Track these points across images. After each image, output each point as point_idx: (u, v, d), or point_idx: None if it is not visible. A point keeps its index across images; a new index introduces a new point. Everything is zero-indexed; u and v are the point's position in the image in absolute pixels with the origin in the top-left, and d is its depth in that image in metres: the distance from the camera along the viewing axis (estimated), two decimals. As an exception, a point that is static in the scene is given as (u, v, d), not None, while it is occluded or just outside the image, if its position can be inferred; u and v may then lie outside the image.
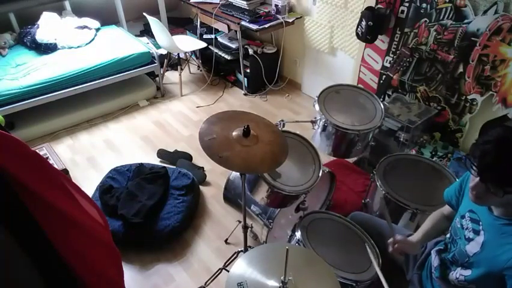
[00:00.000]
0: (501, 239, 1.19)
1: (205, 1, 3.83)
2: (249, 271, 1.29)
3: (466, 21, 2.35)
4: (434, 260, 1.47)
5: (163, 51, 3.98)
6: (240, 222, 2.25)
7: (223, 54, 3.91)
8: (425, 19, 2.54)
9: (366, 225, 1.80)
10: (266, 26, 3.39)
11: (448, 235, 1.46)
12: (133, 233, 2.31)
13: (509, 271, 1.15)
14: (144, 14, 3.59)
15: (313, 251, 1.61)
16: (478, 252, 1.25)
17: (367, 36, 2.75)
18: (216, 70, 4.10)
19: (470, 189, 1.19)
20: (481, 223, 1.26)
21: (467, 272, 1.29)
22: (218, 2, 3.77)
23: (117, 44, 3.64)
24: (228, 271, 1.82)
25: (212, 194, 2.76)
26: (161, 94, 3.92)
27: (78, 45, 3.58)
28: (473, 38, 2.35)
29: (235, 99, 3.87)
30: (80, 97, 3.41)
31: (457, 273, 1.33)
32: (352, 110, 2.16)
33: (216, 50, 3.96)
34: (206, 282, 2.09)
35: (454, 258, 1.37)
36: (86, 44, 3.63)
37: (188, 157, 3.05)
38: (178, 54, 3.91)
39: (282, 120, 2.10)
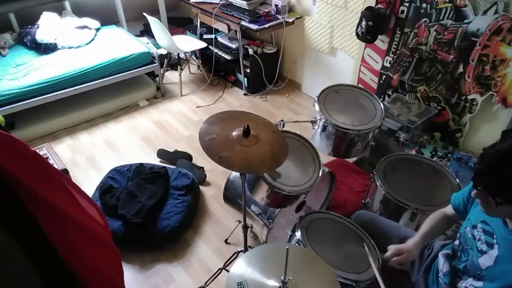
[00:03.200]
0: None
1: (205, 1, 3.83)
2: (249, 271, 1.29)
3: (466, 21, 2.35)
4: (443, 266, 1.44)
5: (163, 51, 3.98)
6: (240, 222, 2.25)
7: (223, 54, 3.91)
8: (425, 19, 2.54)
9: (370, 225, 1.79)
10: (266, 26, 3.39)
11: (457, 242, 1.43)
12: (133, 233, 2.31)
13: None
14: (144, 14, 3.59)
15: (313, 251, 1.61)
16: (491, 266, 1.22)
17: (367, 36, 2.75)
18: (216, 70, 4.10)
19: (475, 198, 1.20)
20: (495, 236, 1.23)
21: (479, 284, 1.26)
22: (218, 2, 3.77)
23: (117, 44, 3.64)
24: (228, 271, 1.82)
25: (212, 194, 2.76)
26: (161, 94, 3.92)
27: (78, 45, 3.58)
28: (473, 38, 2.35)
29: (235, 99, 3.87)
30: (80, 97, 3.41)
31: (467, 283, 1.31)
32: (352, 110, 2.16)
33: (216, 50, 3.95)
34: (206, 282, 2.09)
35: (465, 269, 1.35)
36: (86, 44, 3.63)
37: (188, 157, 3.05)
38: (178, 54, 3.91)
39: (282, 120, 2.10)
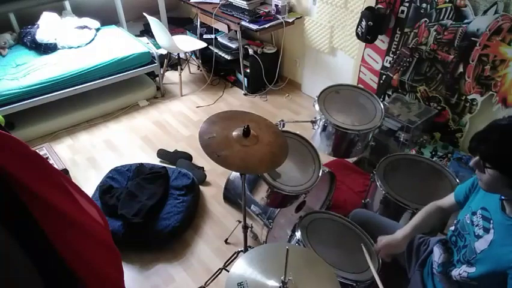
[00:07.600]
0: (509, 238, 1.20)
1: (205, 1, 3.83)
2: (249, 271, 1.29)
3: (466, 21, 2.35)
4: (440, 257, 1.46)
5: (163, 51, 3.98)
6: (240, 222, 2.25)
7: (223, 54, 3.91)
8: (425, 19, 2.54)
9: (368, 224, 1.80)
10: (266, 26, 3.39)
11: (452, 228, 1.45)
12: (133, 233, 2.31)
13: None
14: (144, 14, 3.59)
15: (313, 251, 1.61)
16: (485, 250, 1.26)
17: (367, 36, 2.75)
18: (216, 70, 4.10)
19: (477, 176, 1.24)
20: (492, 221, 1.27)
21: (472, 269, 1.29)
22: (218, 2, 3.77)
23: (117, 44, 3.64)
24: (228, 271, 1.82)
25: (212, 194, 2.76)
26: (161, 94, 3.92)
27: (78, 45, 3.58)
28: (473, 38, 2.35)
29: (235, 99, 3.87)
30: (80, 97, 3.42)
31: (461, 270, 1.33)
32: (352, 110, 2.16)
33: (216, 50, 3.96)
34: (206, 282, 2.09)
35: (462, 255, 1.37)
36: (86, 44, 3.63)
37: (188, 157, 3.05)
38: (178, 54, 3.91)
39: (282, 120, 2.10)
